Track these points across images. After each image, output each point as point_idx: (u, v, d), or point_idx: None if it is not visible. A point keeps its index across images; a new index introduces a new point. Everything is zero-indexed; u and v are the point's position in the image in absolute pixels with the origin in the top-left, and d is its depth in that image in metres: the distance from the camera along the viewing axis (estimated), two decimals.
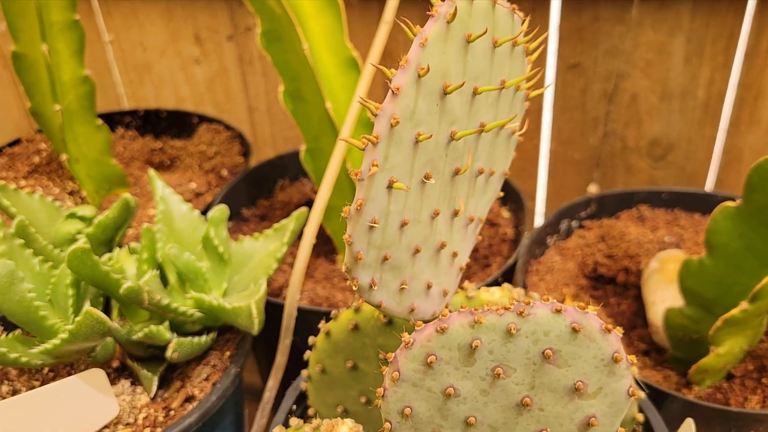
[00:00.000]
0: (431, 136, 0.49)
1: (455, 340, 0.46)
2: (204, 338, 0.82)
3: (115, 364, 0.89)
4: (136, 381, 0.86)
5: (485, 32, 0.48)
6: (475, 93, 0.52)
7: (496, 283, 0.96)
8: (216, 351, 0.87)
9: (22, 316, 0.76)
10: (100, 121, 1.15)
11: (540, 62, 1.31)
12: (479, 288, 0.71)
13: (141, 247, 0.83)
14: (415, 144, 0.49)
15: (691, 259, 0.90)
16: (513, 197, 1.15)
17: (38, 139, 1.30)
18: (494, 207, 1.16)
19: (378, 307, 0.55)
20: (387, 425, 0.50)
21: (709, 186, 1.30)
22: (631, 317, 1.06)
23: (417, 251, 0.55)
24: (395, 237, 0.52)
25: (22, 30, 1.07)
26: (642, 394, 0.75)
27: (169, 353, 0.78)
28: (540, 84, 1.03)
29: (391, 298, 0.56)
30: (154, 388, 0.83)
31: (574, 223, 1.11)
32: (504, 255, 1.08)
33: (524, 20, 0.56)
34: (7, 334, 0.83)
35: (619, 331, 0.47)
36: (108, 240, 0.90)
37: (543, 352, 0.46)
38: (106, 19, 1.47)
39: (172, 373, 0.87)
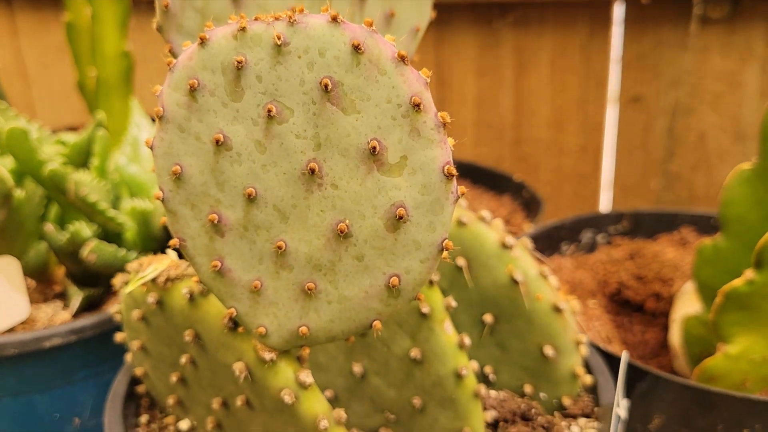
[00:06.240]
0: None
1: (218, 56, 0.38)
2: (134, 254, 0.77)
3: (58, 288, 0.85)
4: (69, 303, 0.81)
5: None
6: None
7: None
8: None
9: None
10: (136, 100, 1.18)
11: (601, 93, 1.21)
12: None
13: (93, 156, 0.81)
14: None
15: (704, 244, 0.74)
16: (535, 208, 1.03)
17: None
18: (517, 220, 1.04)
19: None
20: (159, 194, 0.42)
21: None
22: (655, 347, 0.88)
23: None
24: None
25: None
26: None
27: (85, 252, 0.73)
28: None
29: None
30: (76, 304, 0.78)
31: (601, 238, 0.97)
32: None
33: None
34: None
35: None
36: (84, 163, 0.88)
37: (321, 82, 0.37)
38: None
39: (105, 297, 0.81)
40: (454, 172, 0.38)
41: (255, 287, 0.42)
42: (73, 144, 0.86)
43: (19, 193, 0.74)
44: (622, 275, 0.93)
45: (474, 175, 1.17)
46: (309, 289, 0.42)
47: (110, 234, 0.78)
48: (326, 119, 0.38)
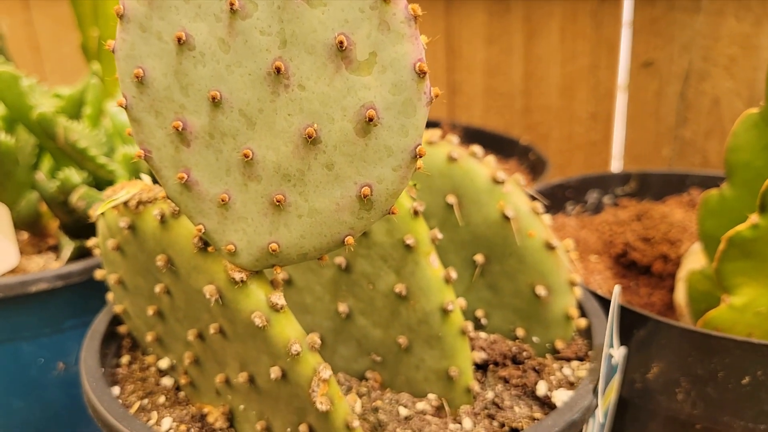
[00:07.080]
0: None
1: None
2: None
3: (51, 241, 0.84)
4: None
5: None
6: None
7: None
8: None
9: None
10: None
11: (612, 59, 1.18)
12: None
13: (86, 104, 0.80)
14: None
15: (710, 194, 0.71)
16: (541, 169, 1.00)
17: None
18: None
19: None
20: (122, 101, 0.40)
21: None
22: (662, 308, 0.85)
23: None
24: None
25: None
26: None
27: (74, 199, 0.72)
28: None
29: None
30: (67, 254, 0.77)
31: (607, 199, 0.94)
32: None
33: None
34: None
35: None
36: (78, 115, 0.87)
37: None
38: None
39: None
40: (426, 69, 0.36)
41: (223, 200, 0.41)
42: (68, 96, 0.85)
43: (7, 138, 0.73)
44: (629, 236, 0.90)
45: (481, 140, 1.14)
46: (278, 202, 0.40)
47: (102, 182, 0.77)
48: (291, 13, 0.36)
